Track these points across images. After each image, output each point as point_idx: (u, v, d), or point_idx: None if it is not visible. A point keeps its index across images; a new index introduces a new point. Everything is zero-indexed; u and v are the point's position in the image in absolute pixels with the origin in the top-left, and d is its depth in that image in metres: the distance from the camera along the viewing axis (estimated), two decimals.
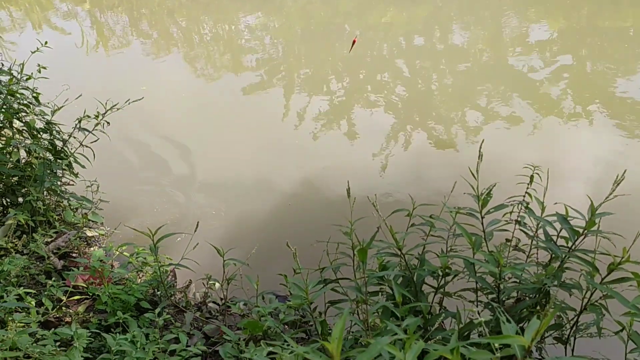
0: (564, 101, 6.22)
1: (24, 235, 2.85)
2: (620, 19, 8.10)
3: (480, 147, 2.09)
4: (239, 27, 9.18)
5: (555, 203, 2.02)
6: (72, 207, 3.13)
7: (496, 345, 1.30)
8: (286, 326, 2.41)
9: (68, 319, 2.42)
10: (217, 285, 2.76)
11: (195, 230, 2.42)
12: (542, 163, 2.26)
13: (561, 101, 6.26)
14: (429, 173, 4.74)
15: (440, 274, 2.17)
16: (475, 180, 2.08)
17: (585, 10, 8.85)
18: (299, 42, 8.47)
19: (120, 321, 2.28)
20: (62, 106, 3.06)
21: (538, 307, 2.09)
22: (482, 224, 2.11)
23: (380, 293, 2.26)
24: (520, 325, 2.00)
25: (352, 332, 2.30)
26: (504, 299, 2.10)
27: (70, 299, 2.51)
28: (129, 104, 3.16)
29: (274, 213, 4.02)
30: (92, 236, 3.21)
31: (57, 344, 2.01)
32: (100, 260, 2.49)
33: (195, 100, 6.35)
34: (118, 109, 3.13)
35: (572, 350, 2.02)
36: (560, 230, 1.99)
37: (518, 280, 2.11)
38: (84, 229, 3.14)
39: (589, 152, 4.95)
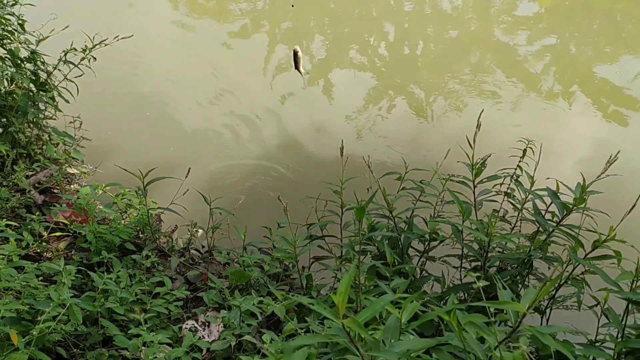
0: (546, 80, 6.29)
1: (4, 167, 2.76)
2: (610, 0, 8.15)
3: (479, 118, 2.11)
4: None
5: (548, 178, 2.06)
6: (53, 142, 3.04)
7: (491, 309, 1.34)
8: (269, 278, 2.43)
9: (48, 255, 2.38)
10: (201, 232, 2.75)
11: (186, 176, 2.39)
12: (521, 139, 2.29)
13: (542, 79, 6.32)
14: (415, 140, 4.77)
15: (428, 238, 2.22)
16: (471, 149, 2.11)
17: None
18: None
19: (105, 261, 2.26)
20: (48, 36, 2.93)
21: (518, 278, 2.17)
22: (474, 192, 2.15)
23: (367, 253, 2.30)
24: None
25: (335, 288, 2.34)
26: (487, 267, 2.16)
27: (51, 235, 2.47)
28: (117, 40, 3.05)
29: (261, 166, 4.00)
30: (74, 174, 3.14)
31: (40, 278, 1.98)
32: (87, 197, 2.44)
33: (181, 43, 6.17)
34: (106, 45, 3.02)
35: (547, 320, 2.11)
36: (549, 205, 2.05)
37: (502, 250, 2.18)
38: (66, 165, 3.06)
39: (572, 131, 5.05)
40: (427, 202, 2.33)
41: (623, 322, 1.82)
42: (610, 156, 1.90)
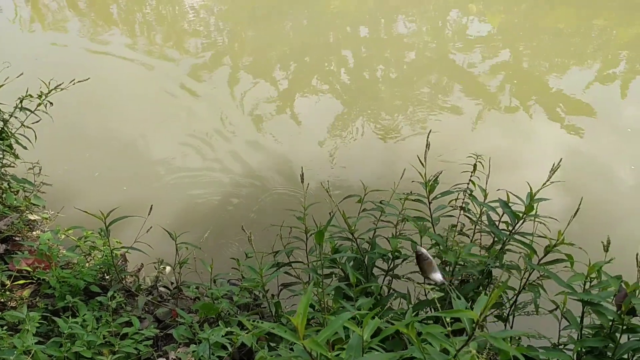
0: (503, 95, 6.49)
1: None
2: (554, 19, 8.50)
3: (428, 137, 2.19)
4: (183, 9, 8.96)
5: (498, 189, 2.15)
6: (13, 190, 3.01)
7: (447, 319, 1.39)
8: (239, 309, 2.44)
9: (13, 304, 2.35)
10: (168, 269, 2.75)
11: (149, 214, 2.40)
12: (484, 153, 2.39)
13: (500, 94, 6.52)
14: (376, 161, 4.86)
15: (391, 257, 2.27)
16: (423, 167, 2.18)
17: (524, 6, 9.20)
18: (244, 28, 8.38)
19: (70, 305, 2.24)
20: (3, 84, 2.94)
21: (481, 288, 2.23)
22: (430, 209, 2.22)
23: (333, 275, 2.33)
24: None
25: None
26: (450, 281, 2.22)
27: (15, 283, 2.43)
28: (73, 84, 3.07)
29: (225, 200, 4.02)
30: (35, 220, 3.10)
31: (4, 328, 1.96)
32: (49, 242, 2.42)
33: (137, 82, 6.19)
34: (62, 89, 3.03)
35: (511, 327, 2.17)
36: (502, 215, 2.13)
37: (463, 263, 2.24)
38: (27, 212, 3.03)
39: (528, 142, 5.21)
40: (389, 221, 2.39)
41: (582, 323, 1.90)
42: (553, 164, 2.00)
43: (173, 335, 2.21)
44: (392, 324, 1.89)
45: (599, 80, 6.62)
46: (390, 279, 2.37)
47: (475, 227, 2.29)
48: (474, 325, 1.38)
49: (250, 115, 5.56)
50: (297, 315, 1.26)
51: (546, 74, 6.93)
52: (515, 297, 2.11)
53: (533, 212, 2.02)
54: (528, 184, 2.06)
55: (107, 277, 2.56)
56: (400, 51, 7.57)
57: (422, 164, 2.18)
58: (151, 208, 2.40)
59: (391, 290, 2.38)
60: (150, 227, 2.48)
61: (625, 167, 4.71)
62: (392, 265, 2.30)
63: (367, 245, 2.33)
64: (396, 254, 2.24)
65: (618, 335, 1.72)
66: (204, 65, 6.79)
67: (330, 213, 2.44)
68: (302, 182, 2.28)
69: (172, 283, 2.76)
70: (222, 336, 1.92)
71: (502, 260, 2.06)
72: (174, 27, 8.29)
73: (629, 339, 1.78)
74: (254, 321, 2.31)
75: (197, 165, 4.47)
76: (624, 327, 1.70)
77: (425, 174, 2.19)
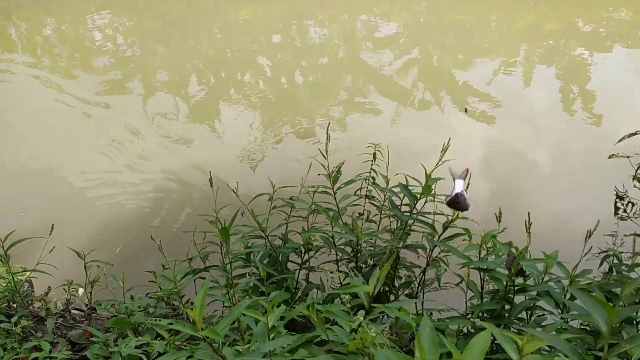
0: (416, 91, 6.73)
1: None
2: (456, 14, 8.91)
3: (327, 129, 2.27)
4: (87, 27, 8.69)
5: (397, 174, 2.24)
6: None
7: (347, 297, 1.44)
8: (159, 320, 2.39)
9: None
10: (81, 290, 2.66)
11: (50, 234, 2.32)
12: (402, 146, 2.47)
13: (413, 91, 6.75)
14: (298, 165, 4.91)
15: (303, 250, 2.31)
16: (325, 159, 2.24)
17: (425, 4, 9.59)
18: (154, 43, 8.24)
19: None
20: None
21: (392, 271, 2.31)
22: (335, 199, 2.28)
23: (247, 275, 2.35)
24: None
25: (223, 316, 2.36)
26: (362, 265, 2.29)
27: None
28: None
29: (139, 213, 3.94)
30: None
31: None
32: None
33: (44, 104, 5.95)
34: None
35: (422, 304, 2.26)
36: (403, 198, 2.22)
37: (373, 248, 2.32)
38: None
39: (448, 132, 5.40)
40: (299, 216, 2.43)
41: (482, 290, 2.01)
42: (444, 144, 2.12)
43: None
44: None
45: (502, 71, 6.99)
46: (307, 271, 2.41)
47: (380, 212, 2.38)
48: (369, 299, 1.44)
49: (165, 131, 5.47)
50: (195, 308, 1.27)
51: (452, 67, 7.25)
52: (421, 274, 2.20)
53: (430, 192, 2.13)
54: (422, 165, 2.17)
55: (13, 304, 2.44)
56: (314, 56, 7.70)
57: (324, 156, 2.25)
58: (52, 227, 2.32)
59: (309, 283, 2.42)
60: (54, 247, 2.40)
61: (529, 148, 5.02)
62: (305, 258, 2.34)
63: (281, 241, 2.36)
64: (308, 246, 2.29)
65: (512, 296, 1.84)
66: (115, 82, 6.62)
67: (238, 210, 2.47)
68: (212, 185, 2.29)
69: (86, 304, 2.67)
70: (135, 347, 1.88)
71: (406, 241, 2.15)
72: (79, 46, 8.03)
73: (526, 299, 1.91)
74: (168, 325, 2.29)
75: (111, 182, 4.35)
76: (516, 288, 1.83)
77: (328, 165, 2.25)
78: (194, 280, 2.33)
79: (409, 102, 6.38)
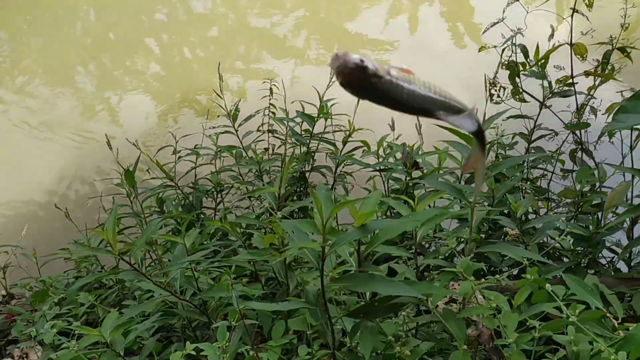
0: (311, 50, 6.81)
1: None
2: None
3: (219, 69, 2.30)
4: None
5: (292, 102, 2.32)
6: None
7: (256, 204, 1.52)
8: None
9: None
10: None
11: None
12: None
13: (307, 49, 6.84)
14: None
15: (215, 191, 2.35)
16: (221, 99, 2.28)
17: None
18: (26, 35, 7.74)
19: None
20: None
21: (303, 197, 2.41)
22: (238, 137, 2.33)
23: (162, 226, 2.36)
24: None
25: None
26: None
27: None
28: None
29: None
30: None
31: None
32: None
33: None
34: None
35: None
36: (302, 123, 2.31)
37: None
38: None
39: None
40: (207, 162, 2.46)
41: (387, 194, 2.16)
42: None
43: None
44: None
45: (391, 18, 7.20)
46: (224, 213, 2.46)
47: (285, 144, 2.45)
48: (276, 199, 1.52)
49: (55, 127, 5.22)
50: (107, 231, 1.29)
51: (342, 20, 7.39)
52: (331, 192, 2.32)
53: (325, 112, 2.23)
54: (315, 89, 2.26)
55: None
56: (204, 29, 7.56)
57: (219, 96, 2.28)
58: None
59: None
60: None
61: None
62: (219, 199, 2.38)
63: (191, 188, 2.39)
64: (219, 187, 2.33)
65: (412, 192, 2.00)
66: None
67: (149, 170, 2.47)
68: (110, 148, 2.26)
69: (2, 295, 2.58)
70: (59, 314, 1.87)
71: (311, 163, 2.25)
72: None
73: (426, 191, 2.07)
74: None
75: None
76: (414, 183, 1.98)
77: (225, 105, 2.29)
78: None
79: (306, 59, 6.47)
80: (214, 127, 2.33)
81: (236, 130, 2.31)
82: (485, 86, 1.82)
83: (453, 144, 1.20)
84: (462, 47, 6.04)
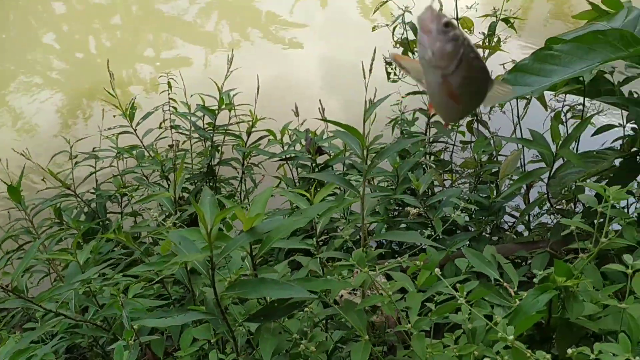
0: (222, 33, 6.63)
1: None
2: None
3: (108, 66, 2.17)
4: None
5: (191, 95, 2.24)
6: None
7: (154, 214, 1.45)
8: None
9: None
10: None
11: None
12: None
13: (219, 33, 6.65)
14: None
15: (120, 195, 2.25)
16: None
17: None
18: None
19: None
20: None
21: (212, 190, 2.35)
22: (137, 136, 2.23)
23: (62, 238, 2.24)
24: None
25: None
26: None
27: None
28: None
29: None
30: None
31: None
32: None
33: None
34: None
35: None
36: (204, 117, 2.24)
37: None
38: None
39: (261, 66, 5.43)
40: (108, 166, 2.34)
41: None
42: (228, 55, 2.16)
43: None
44: None
45: None
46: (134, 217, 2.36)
47: (190, 140, 2.37)
48: (173, 204, 1.46)
49: None
50: None
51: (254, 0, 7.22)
52: (240, 184, 2.27)
53: (228, 103, 2.17)
54: (214, 81, 2.19)
55: None
56: (105, 17, 7.18)
57: (113, 95, 2.16)
58: None
59: None
60: None
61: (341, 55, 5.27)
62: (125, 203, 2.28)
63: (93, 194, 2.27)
64: (123, 191, 2.23)
65: None
66: None
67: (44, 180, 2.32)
68: None
69: None
70: None
71: (215, 157, 2.19)
72: None
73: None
74: None
75: None
76: (321, 168, 1.97)
77: (119, 103, 2.17)
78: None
79: (219, 44, 6.30)
80: (110, 129, 2.21)
81: (134, 130, 2.20)
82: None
83: (337, 134, 1.18)
84: (372, 21, 6.08)
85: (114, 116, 2.25)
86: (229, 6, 7.28)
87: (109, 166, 2.28)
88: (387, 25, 1.98)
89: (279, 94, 3.76)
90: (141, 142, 2.22)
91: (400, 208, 1.99)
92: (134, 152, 2.16)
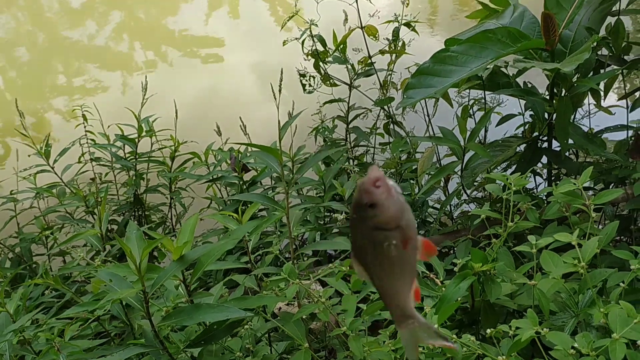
0: (136, 52, 6.48)
1: None
2: None
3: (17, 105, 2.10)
4: None
5: (109, 126, 2.21)
6: None
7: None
8: None
9: None
10: None
11: None
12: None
13: (133, 53, 6.50)
14: None
15: (44, 236, 2.17)
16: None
17: None
18: None
19: None
20: None
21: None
22: (56, 173, 2.16)
23: None
24: None
25: None
26: None
27: None
28: None
29: None
30: None
31: None
32: None
33: None
34: None
35: None
36: (124, 146, 2.21)
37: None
38: None
39: (179, 87, 5.34)
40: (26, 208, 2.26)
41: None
42: (142, 82, 2.14)
43: None
44: None
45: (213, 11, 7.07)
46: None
47: (113, 170, 2.33)
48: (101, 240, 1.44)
49: None
50: None
51: (159, 18, 7.11)
52: (170, 210, 2.26)
53: (149, 131, 2.16)
54: (131, 110, 2.17)
55: None
56: (8, 50, 6.85)
57: (25, 135, 2.09)
58: None
59: None
60: None
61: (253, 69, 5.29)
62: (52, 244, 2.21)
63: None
64: (48, 231, 2.16)
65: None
66: None
67: None
68: None
69: None
70: None
71: (147, 184, 2.17)
72: None
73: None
74: None
75: None
76: (248, 185, 1.99)
77: (32, 142, 2.11)
78: None
79: (134, 66, 6.15)
80: (26, 169, 2.13)
81: (52, 167, 2.14)
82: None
83: (255, 154, 1.22)
84: (287, 29, 6.15)
85: (29, 155, 2.18)
86: (140, 28, 7.14)
87: (29, 207, 2.21)
88: (296, 39, 2.03)
89: (203, 112, 3.74)
90: (61, 179, 2.16)
91: (332, 214, 2.05)
92: (54, 190, 2.09)
